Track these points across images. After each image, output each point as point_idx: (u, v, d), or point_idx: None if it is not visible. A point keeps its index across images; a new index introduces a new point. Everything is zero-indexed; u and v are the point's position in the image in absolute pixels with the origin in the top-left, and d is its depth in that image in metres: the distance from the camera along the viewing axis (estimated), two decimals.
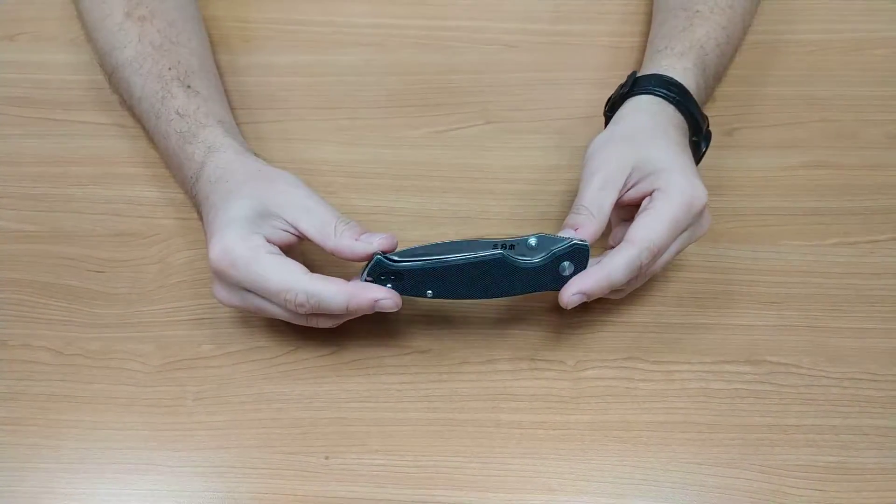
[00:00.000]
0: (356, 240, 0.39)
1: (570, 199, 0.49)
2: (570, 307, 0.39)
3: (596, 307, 0.45)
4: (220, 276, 0.39)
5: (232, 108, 0.50)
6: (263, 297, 0.39)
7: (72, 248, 0.47)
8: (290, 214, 0.40)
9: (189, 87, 0.46)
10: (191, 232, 0.48)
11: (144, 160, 0.51)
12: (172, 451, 0.41)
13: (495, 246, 0.39)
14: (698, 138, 0.46)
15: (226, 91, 0.51)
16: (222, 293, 0.40)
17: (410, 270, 0.39)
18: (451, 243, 0.39)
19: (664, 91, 0.44)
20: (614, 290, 0.41)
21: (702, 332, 0.44)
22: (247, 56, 0.55)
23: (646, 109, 0.44)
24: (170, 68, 0.47)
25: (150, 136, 0.48)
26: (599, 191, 0.40)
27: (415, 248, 0.39)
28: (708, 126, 0.46)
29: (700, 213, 0.41)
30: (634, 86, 0.45)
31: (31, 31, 0.57)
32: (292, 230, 0.40)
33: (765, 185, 0.50)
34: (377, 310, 0.39)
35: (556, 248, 0.39)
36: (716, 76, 0.49)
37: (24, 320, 0.45)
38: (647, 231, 0.39)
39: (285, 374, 0.43)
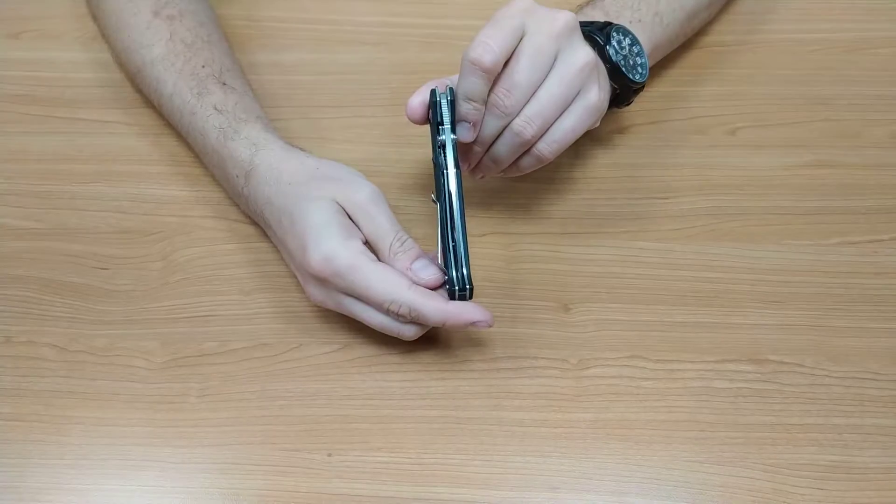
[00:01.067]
0: (408, 269, 0.40)
1: (574, 196, 0.50)
2: (472, 119, 0.39)
3: (599, 305, 0.45)
4: (322, 283, 0.40)
5: None
6: (363, 304, 0.40)
7: (76, 245, 0.47)
8: (355, 217, 0.40)
9: (225, 83, 0.46)
10: (195, 230, 0.48)
11: (148, 158, 0.51)
12: (176, 448, 0.41)
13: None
14: (602, 40, 0.43)
15: None
16: (318, 296, 0.41)
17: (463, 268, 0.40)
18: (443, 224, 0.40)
19: None
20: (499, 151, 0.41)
21: (704, 331, 0.44)
22: (252, 55, 0.55)
23: None
24: (203, 66, 0.47)
25: (183, 133, 0.48)
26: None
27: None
28: (612, 27, 0.44)
29: (568, 32, 0.39)
30: None
31: (35, 28, 0.57)
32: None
33: (768, 185, 0.50)
34: (469, 329, 0.41)
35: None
36: (635, 7, 0.47)
37: (29, 317, 0.45)
38: (509, 72, 0.39)
39: (288, 372, 0.43)
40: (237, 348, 0.44)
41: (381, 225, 0.40)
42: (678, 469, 0.40)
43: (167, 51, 0.48)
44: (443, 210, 0.40)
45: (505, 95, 0.39)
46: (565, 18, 0.40)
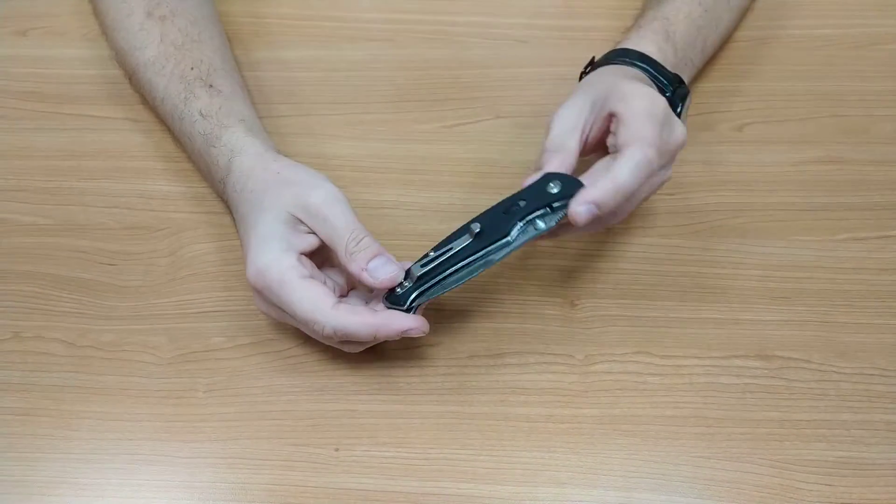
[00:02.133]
0: (363, 269, 0.39)
1: None
2: (582, 222, 0.37)
3: (606, 300, 0.45)
4: (259, 295, 0.40)
5: None
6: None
7: (84, 241, 0.47)
8: (311, 222, 0.40)
9: (211, 86, 0.46)
10: (202, 225, 0.48)
11: (155, 154, 0.51)
12: (184, 443, 0.41)
13: (481, 231, 0.39)
14: (669, 93, 0.44)
15: None
16: (262, 305, 0.41)
17: (420, 294, 0.39)
18: (447, 247, 0.39)
19: (618, 58, 0.44)
20: (625, 200, 0.39)
21: (711, 327, 0.44)
22: (257, 51, 0.55)
23: (601, 73, 0.44)
24: (192, 68, 0.47)
25: (176, 136, 0.49)
26: (562, 131, 0.40)
27: (421, 266, 0.39)
28: (681, 86, 0.45)
29: (665, 116, 0.40)
30: (592, 65, 0.46)
31: (42, 26, 0.57)
32: (316, 236, 0.40)
33: (775, 181, 0.50)
34: (405, 337, 0.39)
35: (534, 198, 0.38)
36: (689, 46, 0.48)
37: (37, 312, 0.45)
38: (633, 130, 0.38)
39: (296, 367, 0.43)
40: (244, 343, 0.44)
41: (336, 226, 0.39)
42: (685, 465, 0.40)
43: (158, 54, 0.48)
44: (473, 250, 0.39)
45: (620, 210, 0.40)
46: (683, 136, 0.41)
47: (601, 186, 0.38)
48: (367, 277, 0.39)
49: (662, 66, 0.45)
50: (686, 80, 0.46)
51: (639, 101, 0.39)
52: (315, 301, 0.38)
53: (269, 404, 0.42)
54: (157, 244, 0.47)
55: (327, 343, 0.41)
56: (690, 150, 0.51)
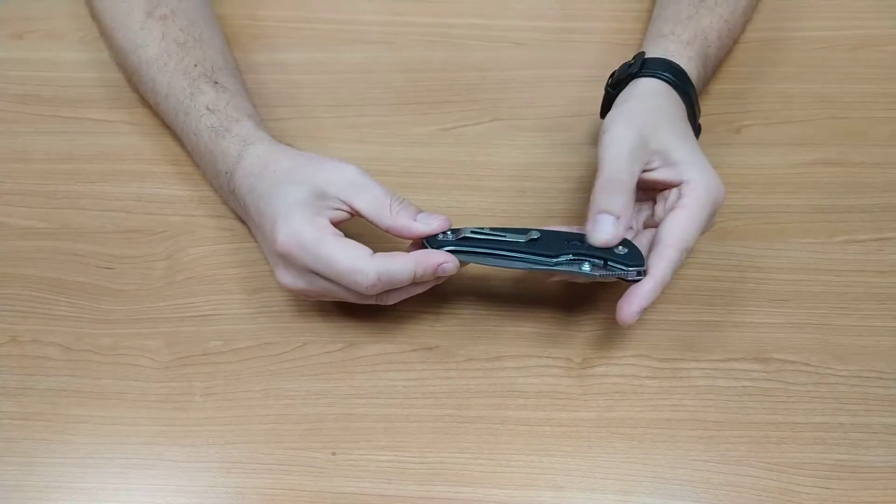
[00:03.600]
0: (414, 220, 0.40)
1: (578, 196, 0.49)
2: (627, 324, 0.39)
3: (603, 304, 0.45)
4: (288, 260, 0.40)
5: None
6: (331, 280, 0.39)
7: (81, 245, 0.47)
8: (345, 193, 0.40)
9: (216, 82, 0.46)
10: (199, 229, 0.48)
11: (153, 158, 0.51)
12: (181, 447, 0.41)
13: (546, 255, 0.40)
14: (697, 125, 0.46)
15: None
16: (287, 278, 0.41)
17: (456, 250, 0.40)
18: (502, 234, 0.40)
19: (671, 77, 0.44)
20: None
21: (709, 330, 0.44)
22: (255, 54, 0.55)
23: (656, 92, 0.44)
24: (195, 65, 0.47)
25: (178, 133, 0.48)
26: (626, 161, 0.40)
27: (472, 231, 0.41)
28: (698, 119, 0.46)
29: (719, 208, 0.41)
30: (643, 67, 0.45)
31: (40, 28, 0.57)
32: (346, 209, 0.40)
33: (773, 183, 0.50)
34: (439, 275, 0.40)
35: (614, 272, 0.39)
36: (714, 68, 0.50)
37: (35, 316, 0.45)
38: (683, 232, 0.39)
39: (292, 371, 0.43)
40: (241, 347, 0.44)
41: (376, 192, 0.40)
42: (683, 468, 0.40)
43: (160, 51, 0.48)
44: (518, 249, 0.40)
45: (680, 256, 0.40)
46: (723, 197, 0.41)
47: (649, 291, 0.38)
48: (419, 226, 0.40)
49: (697, 99, 0.46)
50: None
51: (707, 195, 0.40)
52: (354, 252, 0.39)
53: (267, 408, 0.42)
54: (155, 248, 0.47)
55: (364, 300, 0.40)
56: None
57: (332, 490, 0.40)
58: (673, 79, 0.44)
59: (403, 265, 0.39)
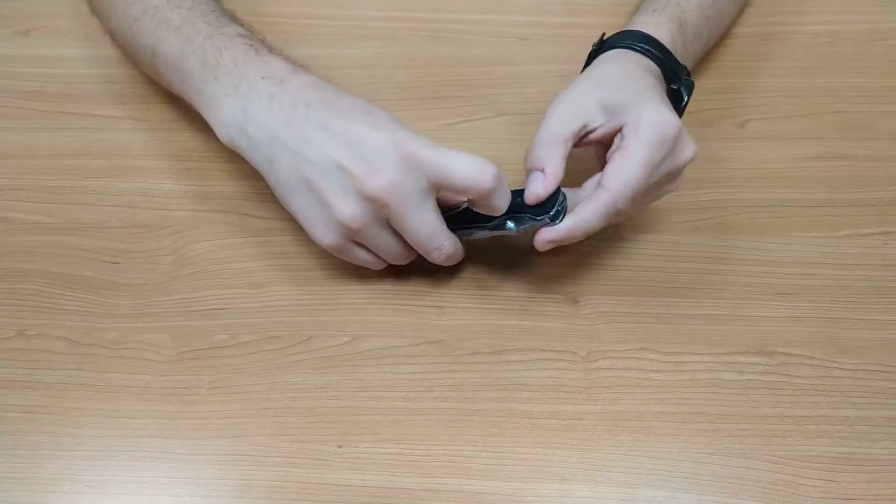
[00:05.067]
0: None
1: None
2: (542, 250, 0.40)
3: (608, 297, 0.45)
4: (372, 200, 0.38)
5: None
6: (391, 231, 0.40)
7: (87, 240, 0.48)
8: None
9: (242, 24, 0.45)
10: (205, 223, 0.48)
11: (158, 153, 0.51)
12: (187, 440, 0.41)
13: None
14: (678, 85, 0.45)
15: None
16: (332, 235, 0.40)
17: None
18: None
19: (633, 42, 0.44)
20: (591, 235, 0.41)
21: (714, 323, 0.44)
22: None
23: (613, 59, 0.44)
24: (214, 10, 0.45)
25: (185, 58, 0.43)
26: (555, 125, 0.40)
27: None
28: (688, 75, 0.45)
29: (675, 143, 0.40)
30: (605, 43, 0.45)
31: (45, 25, 0.57)
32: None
33: (777, 177, 0.50)
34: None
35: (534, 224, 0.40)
36: (697, 36, 0.48)
37: (41, 310, 0.45)
38: (620, 175, 0.39)
39: (298, 364, 0.43)
40: (247, 341, 0.44)
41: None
42: (688, 461, 0.40)
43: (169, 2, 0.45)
44: (471, 220, 0.42)
45: (626, 210, 0.40)
46: (692, 154, 0.41)
47: (565, 228, 0.39)
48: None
49: (674, 56, 0.45)
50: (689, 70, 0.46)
51: (648, 130, 0.39)
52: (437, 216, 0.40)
53: (272, 401, 0.42)
54: (161, 242, 0.48)
55: (410, 253, 0.42)
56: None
57: (338, 483, 0.40)
58: (633, 42, 0.44)
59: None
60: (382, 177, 0.37)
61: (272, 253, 0.47)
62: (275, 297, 0.45)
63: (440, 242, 0.41)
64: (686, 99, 0.45)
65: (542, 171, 0.40)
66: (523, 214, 0.40)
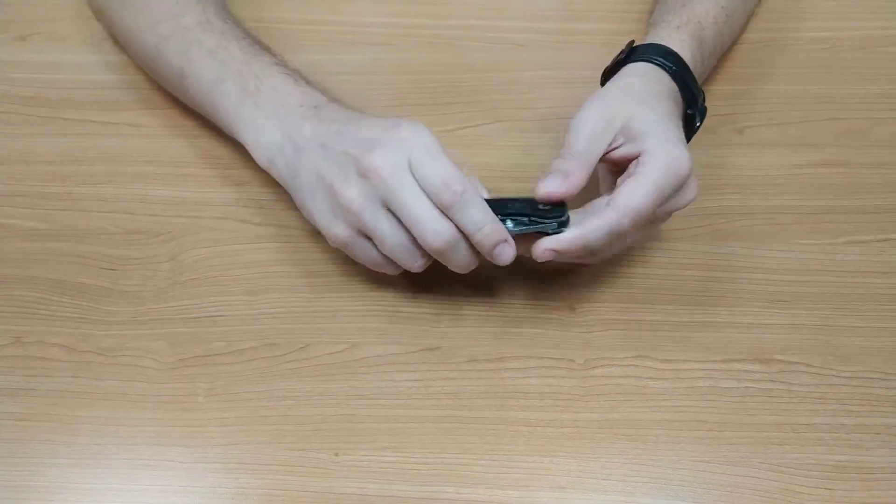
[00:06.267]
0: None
1: (580, 197, 0.49)
2: (540, 260, 0.39)
3: (605, 305, 0.45)
4: (373, 183, 0.38)
5: None
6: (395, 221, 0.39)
7: (84, 246, 0.48)
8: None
9: (271, 50, 0.47)
10: (202, 230, 0.48)
11: (156, 159, 0.51)
12: (184, 448, 0.41)
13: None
14: (693, 111, 0.45)
15: None
16: (343, 231, 0.40)
17: None
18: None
19: (661, 59, 0.44)
20: (590, 254, 0.41)
21: (711, 331, 0.44)
22: None
23: (641, 73, 0.44)
24: (245, 36, 0.47)
25: (219, 77, 0.45)
26: (588, 139, 0.40)
27: None
28: (703, 101, 0.46)
29: (684, 181, 0.40)
30: (631, 54, 0.45)
31: (43, 31, 0.57)
32: None
33: (775, 184, 0.50)
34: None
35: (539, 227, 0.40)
36: (712, 53, 0.49)
37: (38, 317, 0.45)
38: (630, 197, 0.39)
39: (296, 372, 0.43)
40: (245, 348, 0.44)
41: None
42: (685, 469, 0.40)
43: (202, 20, 0.47)
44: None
45: (627, 233, 0.40)
46: (693, 196, 0.42)
47: (567, 238, 0.39)
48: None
49: (696, 80, 0.45)
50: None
51: (663, 163, 0.39)
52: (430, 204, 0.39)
53: (269, 409, 0.42)
54: (158, 249, 0.47)
55: (399, 254, 0.40)
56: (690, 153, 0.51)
57: (335, 491, 0.40)
58: (662, 61, 0.44)
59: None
60: (377, 152, 0.38)
61: (270, 260, 0.47)
62: (272, 304, 0.45)
63: (436, 227, 0.38)
64: (698, 124, 0.46)
65: (563, 175, 0.39)
66: (524, 217, 0.40)
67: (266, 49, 0.47)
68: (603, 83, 0.47)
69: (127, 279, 0.46)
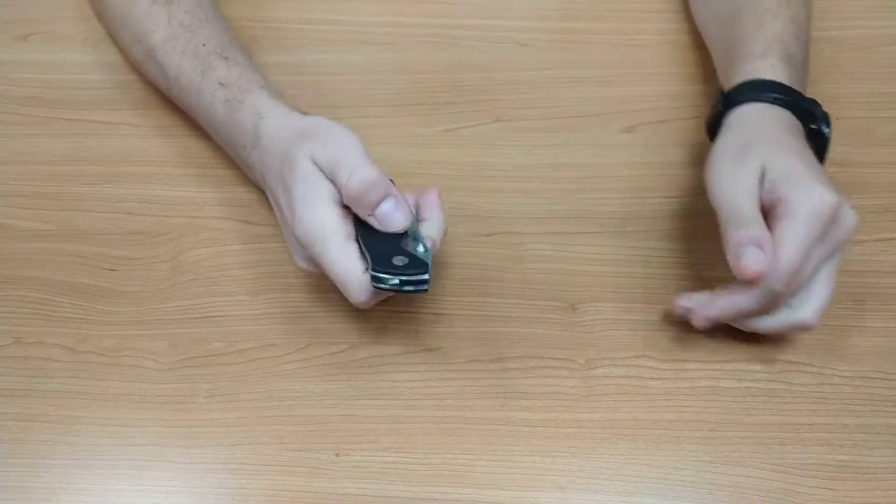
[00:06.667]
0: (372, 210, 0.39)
1: (580, 197, 0.49)
2: (699, 328, 0.41)
3: (606, 304, 0.45)
4: (300, 250, 0.40)
5: None
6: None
7: (84, 247, 0.48)
8: (326, 166, 0.39)
9: (227, 58, 0.46)
10: (202, 230, 0.48)
11: (156, 159, 0.51)
12: (184, 448, 0.41)
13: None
14: (816, 125, 0.44)
15: None
16: (301, 261, 0.42)
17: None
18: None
19: (763, 95, 0.43)
20: (754, 316, 0.40)
21: (712, 331, 0.44)
22: (258, 55, 0.55)
23: (750, 118, 0.43)
24: (204, 44, 0.47)
25: (192, 113, 0.48)
26: (748, 200, 0.39)
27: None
28: (819, 107, 0.45)
29: (833, 218, 0.38)
30: (728, 102, 0.45)
31: (43, 31, 0.57)
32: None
33: None
34: None
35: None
36: (803, 63, 0.47)
37: (38, 318, 0.45)
38: (778, 260, 0.37)
39: (296, 372, 0.43)
40: (245, 349, 0.44)
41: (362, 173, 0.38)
42: (687, 469, 0.40)
43: (167, 35, 0.48)
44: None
45: (780, 281, 0.38)
46: (852, 225, 0.40)
47: (720, 303, 0.40)
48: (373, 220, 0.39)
49: (802, 95, 0.44)
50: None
51: (804, 212, 0.38)
52: (352, 266, 0.38)
53: (270, 409, 0.42)
54: (158, 249, 0.47)
55: (354, 300, 0.39)
56: (690, 153, 0.51)
57: (336, 491, 0.40)
58: (763, 95, 0.43)
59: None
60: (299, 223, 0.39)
61: (270, 260, 0.47)
62: (273, 304, 0.45)
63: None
64: (828, 132, 0.44)
65: (757, 245, 0.37)
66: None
67: (217, 54, 0.46)
68: (711, 135, 0.46)
69: (127, 279, 0.46)
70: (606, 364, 0.43)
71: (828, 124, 0.45)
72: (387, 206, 0.38)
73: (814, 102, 0.45)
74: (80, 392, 0.43)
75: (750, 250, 0.37)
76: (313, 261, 0.40)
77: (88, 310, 0.45)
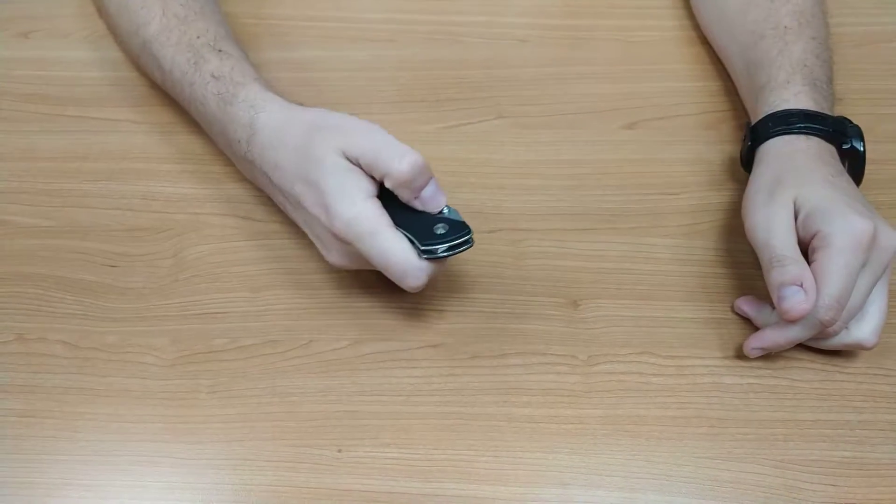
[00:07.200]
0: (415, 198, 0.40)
1: (582, 193, 0.49)
2: (751, 356, 0.42)
3: (608, 301, 0.45)
4: (340, 246, 0.40)
5: None
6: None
7: (87, 243, 0.48)
8: (363, 159, 0.39)
9: (220, 50, 0.46)
10: (204, 227, 0.48)
11: (158, 156, 0.51)
12: (186, 444, 0.41)
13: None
14: (847, 143, 0.44)
15: None
16: (340, 259, 0.41)
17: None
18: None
19: (790, 127, 0.43)
20: (811, 340, 0.41)
21: (714, 327, 0.44)
22: (259, 52, 0.55)
23: (777, 154, 0.43)
24: (198, 36, 0.47)
25: (186, 106, 0.48)
26: (786, 238, 0.40)
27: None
28: (850, 123, 0.45)
29: (871, 243, 0.39)
30: (756, 136, 0.45)
31: (45, 28, 0.57)
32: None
33: None
34: None
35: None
36: (828, 82, 0.48)
37: (41, 314, 0.45)
38: (820, 294, 0.38)
39: (298, 368, 0.43)
40: (247, 345, 0.44)
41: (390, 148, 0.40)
42: (689, 465, 0.40)
43: (161, 27, 0.48)
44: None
45: (826, 313, 0.39)
46: (894, 243, 0.40)
47: (771, 337, 0.41)
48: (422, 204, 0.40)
49: (829, 117, 0.44)
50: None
51: (841, 241, 0.38)
52: (407, 257, 0.39)
53: (272, 405, 0.42)
54: (160, 246, 0.47)
55: (411, 286, 0.40)
56: (692, 150, 0.51)
57: (338, 487, 0.40)
58: (792, 127, 0.43)
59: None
60: (338, 219, 0.39)
61: (272, 256, 0.47)
62: (275, 300, 0.45)
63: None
64: (862, 147, 0.45)
65: (798, 283, 0.38)
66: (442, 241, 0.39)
67: (210, 47, 0.46)
68: (746, 167, 0.46)
69: (129, 276, 0.46)
70: (608, 360, 0.43)
71: (861, 139, 0.45)
72: (431, 188, 0.40)
73: (843, 121, 0.45)
74: (82, 388, 0.43)
75: (791, 291, 0.39)
76: (354, 256, 0.40)
77: (90, 306, 0.45)
